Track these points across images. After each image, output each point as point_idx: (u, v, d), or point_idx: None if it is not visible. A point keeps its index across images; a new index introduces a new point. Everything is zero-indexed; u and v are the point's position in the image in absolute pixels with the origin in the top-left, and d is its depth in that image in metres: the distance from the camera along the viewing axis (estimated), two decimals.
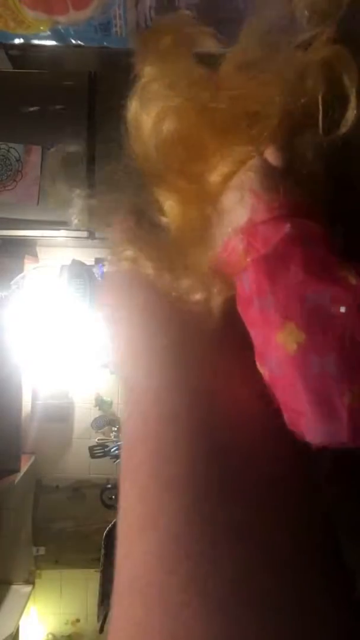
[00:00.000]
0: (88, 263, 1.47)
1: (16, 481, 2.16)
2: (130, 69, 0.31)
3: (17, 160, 1.95)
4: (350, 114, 0.25)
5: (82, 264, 1.40)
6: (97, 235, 2.00)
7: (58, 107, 1.92)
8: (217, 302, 0.28)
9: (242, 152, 0.27)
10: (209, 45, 0.29)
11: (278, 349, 0.24)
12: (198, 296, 0.28)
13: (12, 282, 1.80)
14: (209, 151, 0.28)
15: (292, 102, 0.25)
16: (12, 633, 2.28)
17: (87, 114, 1.90)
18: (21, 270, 2.04)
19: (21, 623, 2.46)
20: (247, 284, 0.25)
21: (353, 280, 0.23)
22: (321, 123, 0.25)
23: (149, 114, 0.29)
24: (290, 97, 0.25)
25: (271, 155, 0.27)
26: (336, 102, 0.25)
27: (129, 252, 0.31)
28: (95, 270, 1.35)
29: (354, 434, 0.22)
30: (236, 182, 0.27)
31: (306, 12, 0.26)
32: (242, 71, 0.27)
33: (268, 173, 0.26)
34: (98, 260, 2.02)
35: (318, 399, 0.23)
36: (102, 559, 2.10)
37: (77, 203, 0.33)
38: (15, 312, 1.90)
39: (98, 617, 2.38)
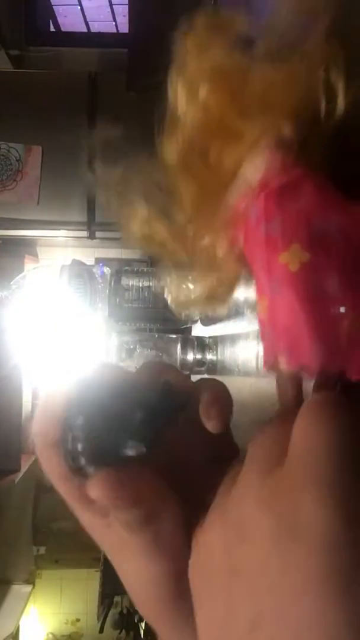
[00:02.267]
0: (88, 263, 1.47)
1: (16, 481, 2.16)
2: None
3: (17, 160, 1.95)
4: (340, 106, 0.25)
5: (82, 264, 1.40)
6: (97, 235, 2.01)
7: (58, 107, 1.92)
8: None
9: (257, 133, 0.26)
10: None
11: (280, 268, 0.24)
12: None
13: (12, 282, 1.80)
14: (234, 135, 0.27)
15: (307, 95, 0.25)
16: (12, 633, 2.28)
17: (87, 114, 1.91)
18: (21, 270, 2.04)
19: (21, 623, 2.46)
20: (255, 213, 0.25)
21: None
22: (323, 111, 0.26)
23: (185, 87, 0.28)
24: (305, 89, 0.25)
25: (284, 135, 0.26)
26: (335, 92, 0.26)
27: (142, 212, 0.30)
28: (95, 270, 1.35)
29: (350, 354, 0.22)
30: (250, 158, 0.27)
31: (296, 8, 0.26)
32: (270, 60, 0.26)
33: (282, 141, 0.26)
34: (98, 260, 2.02)
35: (317, 316, 0.23)
36: (102, 559, 2.10)
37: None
38: (15, 312, 1.90)
39: (98, 616, 2.38)
